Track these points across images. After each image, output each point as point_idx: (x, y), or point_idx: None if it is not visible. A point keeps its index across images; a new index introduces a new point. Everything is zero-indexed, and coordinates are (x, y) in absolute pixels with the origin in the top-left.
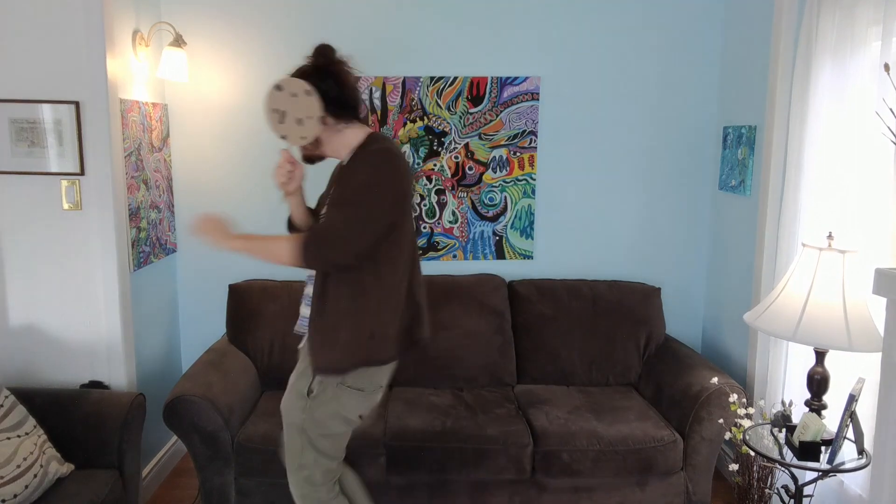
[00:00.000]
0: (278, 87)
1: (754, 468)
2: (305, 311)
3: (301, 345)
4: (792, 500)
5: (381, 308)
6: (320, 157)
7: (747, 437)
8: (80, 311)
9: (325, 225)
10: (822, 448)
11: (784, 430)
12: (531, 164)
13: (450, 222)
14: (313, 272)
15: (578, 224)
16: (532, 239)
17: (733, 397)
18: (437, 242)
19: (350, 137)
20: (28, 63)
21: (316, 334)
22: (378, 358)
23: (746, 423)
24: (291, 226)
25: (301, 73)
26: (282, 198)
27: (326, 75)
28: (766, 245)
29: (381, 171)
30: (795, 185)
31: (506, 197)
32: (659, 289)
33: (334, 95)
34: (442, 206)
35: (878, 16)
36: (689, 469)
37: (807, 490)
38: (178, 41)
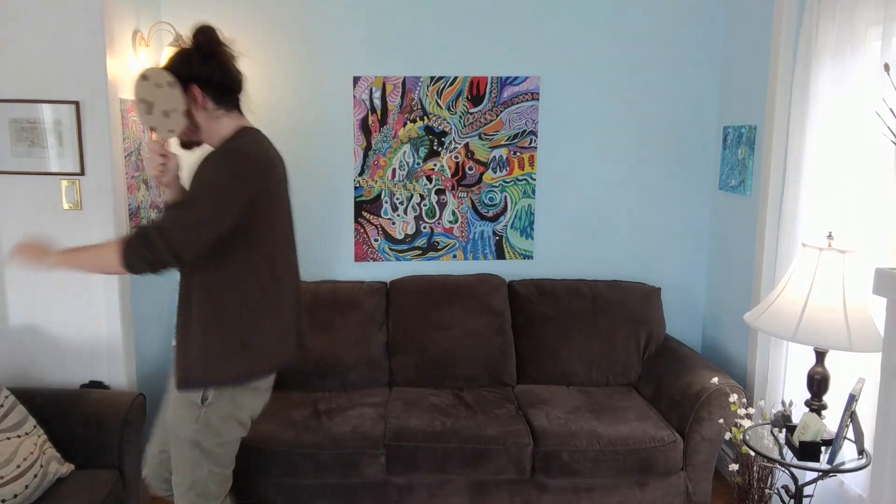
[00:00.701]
0: (144, 77)
1: (754, 468)
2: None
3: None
4: (792, 500)
5: (249, 316)
6: (198, 144)
7: (747, 437)
8: (79, 311)
9: (152, 224)
10: (822, 448)
11: (784, 430)
12: (531, 164)
13: (450, 222)
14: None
15: (578, 224)
16: (532, 239)
17: (733, 397)
18: (437, 242)
19: (224, 128)
20: (28, 63)
21: (181, 345)
22: (256, 370)
23: (746, 423)
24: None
25: (183, 56)
26: (159, 190)
27: (209, 57)
28: (766, 245)
29: (220, 173)
30: (795, 185)
31: (506, 197)
32: (659, 289)
33: (217, 80)
34: (442, 206)
35: (878, 16)
36: (689, 469)
37: (807, 490)
38: (178, 41)
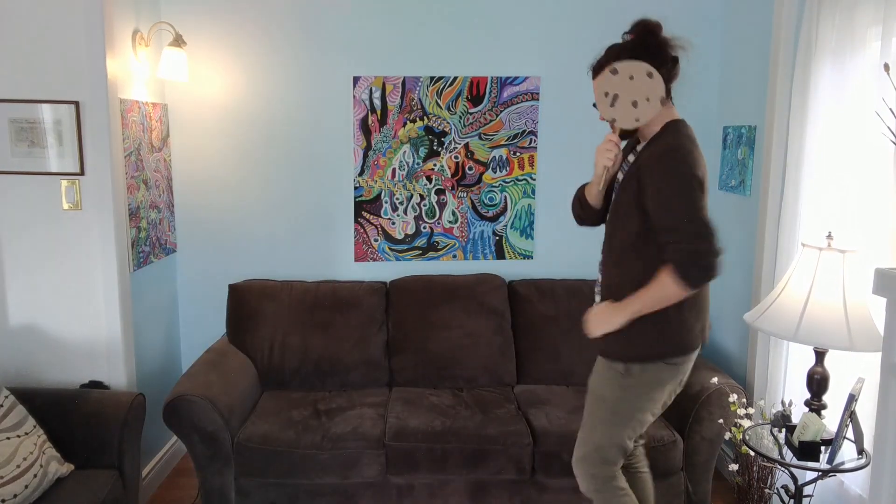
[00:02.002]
0: (614, 71)
1: (754, 468)
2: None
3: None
4: (792, 500)
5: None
6: (631, 135)
7: (747, 437)
8: (80, 311)
9: (679, 244)
10: (822, 448)
11: (784, 430)
12: (531, 164)
13: (450, 222)
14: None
15: None
16: (532, 239)
17: (733, 397)
18: (437, 242)
19: (658, 119)
20: (28, 63)
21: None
22: (680, 348)
23: (746, 423)
24: (585, 206)
25: (633, 48)
26: (598, 183)
27: (660, 49)
28: (766, 245)
29: (684, 173)
30: (795, 185)
31: (506, 197)
32: None
33: (669, 71)
34: (442, 206)
35: (878, 16)
36: (689, 469)
37: (807, 490)
38: (178, 41)
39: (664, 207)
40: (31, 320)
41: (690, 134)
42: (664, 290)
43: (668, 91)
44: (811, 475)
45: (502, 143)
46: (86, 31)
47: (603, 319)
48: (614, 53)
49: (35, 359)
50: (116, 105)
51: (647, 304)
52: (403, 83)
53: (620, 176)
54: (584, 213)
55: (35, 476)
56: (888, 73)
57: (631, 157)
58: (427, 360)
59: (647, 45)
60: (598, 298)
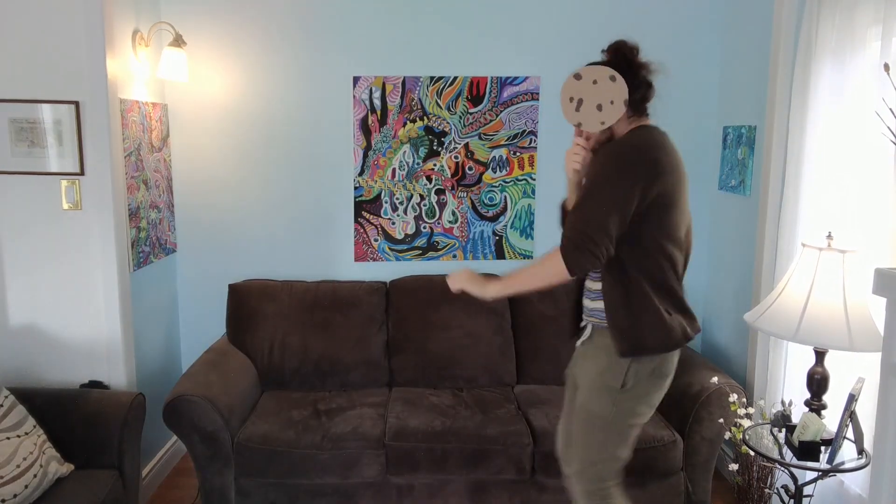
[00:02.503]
0: (577, 76)
1: (754, 468)
2: (589, 304)
3: (581, 340)
4: (792, 500)
5: (646, 298)
6: (608, 138)
7: (747, 437)
8: (79, 311)
9: (572, 226)
10: (822, 448)
11: (784, 429)
12: (531, 164)
13: (450, 222)
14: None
15: None
16: (532, 239)
17: (733, 397)
18: (437, 242)
19: (624, 126)
20: (28, 63)
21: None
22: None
23: (746, 422)
24: (565, 214)
25: (609, 65)
26: (570, 185)
27: (635, 72)
28: (766, 245)
29: (608, 165)
30: (795, 185)
31: (506, 197)
32: None
33: (642, 94)
34: (442, 205)
35: (878, 16)
36: (689, 469)
37: (807, 490)
38: (178, 41)
39: (584, 192)
40: (31, 320)
41: (655, 138)
42: (546, 267)
43: (641, 110)
44: (811, 475)
45: (502, 143)
46: (86, 31)
47: (469, 285)
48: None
49: (35, 359)
50: (116, 105)
51: (526, 279)
52: (403, 83)
53: None
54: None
55: (35, 476)
56: (888, 73)
57: None
58: (427, 360)
59: (621, 67)
60: (589, 304)
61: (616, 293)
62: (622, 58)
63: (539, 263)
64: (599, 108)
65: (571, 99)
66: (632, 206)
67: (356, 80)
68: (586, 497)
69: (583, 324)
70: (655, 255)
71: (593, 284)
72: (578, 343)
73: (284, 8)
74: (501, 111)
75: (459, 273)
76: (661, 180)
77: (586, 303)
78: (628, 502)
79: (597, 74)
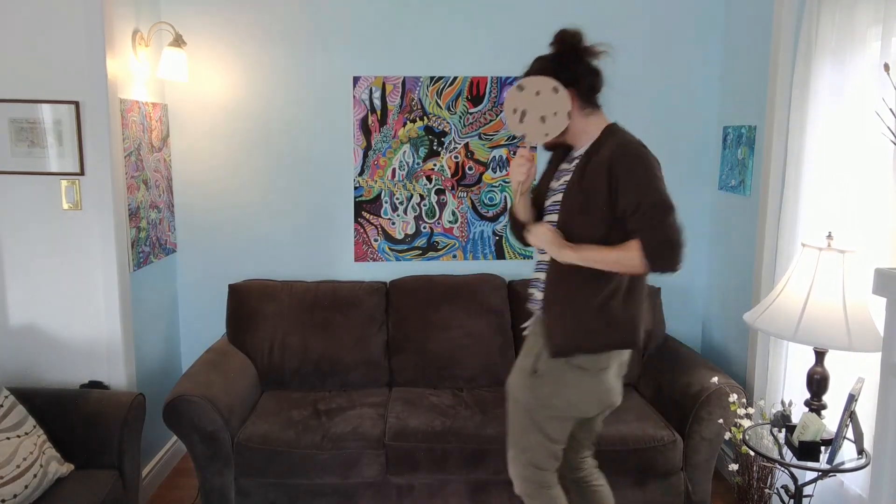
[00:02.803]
0: (520, 87)
1: (754, 468)
2: (538, 294)
3: (526, 327)
4: (792, 500)
5: (610, 295)
6: (561, 145)
7: (747, 437)
8: (80, 311)
9: (655, 232)
10: (822, 448)
11: (784, 430)
12: None
13: (450, 222)
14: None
15: None
16: None
17: (733, 397)
18: (437, 242)
19: (592, 126)
20: (28, 63)
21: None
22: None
23: (746, 423)
24: (515, 221)
25: (554, 61)
26: (515, 195)
27: (579, 59)
28: (766, 245)
29: (647, 167)
30: (795, 185)
31: (506, 197)
32: (659, 289)
33: (588, 82)
34: (442, 206)
35: (878, 16)
36: (689, 469)
37: (806, 490)
38: (178, 41)
39: (640, 192)
40: (31, 320)
41: (634, 136)
42: (627, 257)
43: (594, 100)
44: (811, 475)
45: (502, 143)
46: (86, 31)
47: (550, 243)
48: (538, 64)
49: (35, 359)
50: (116, 105)
51: (606, 260)
52: (403, 83)
53: (556, 184)
54: (516, 231)
55: (35, 476)
56: (888, 73)
57: (566, 166)
58: (427, 360)
59: (567, 55)
60: (535, 301)
61: (588, 289)
62: (567, 46)
63: (622, 252)
64: (543, 119)
65: (515, 110)
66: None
67: (356, 80)
68: (522, 482)
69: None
70: None
71: (542, 275)
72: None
73: (284, 8)
74: (501, 111)
75: (540, 229)
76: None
77: (534, 293)
78: (565, 494)
79: (540, 86)
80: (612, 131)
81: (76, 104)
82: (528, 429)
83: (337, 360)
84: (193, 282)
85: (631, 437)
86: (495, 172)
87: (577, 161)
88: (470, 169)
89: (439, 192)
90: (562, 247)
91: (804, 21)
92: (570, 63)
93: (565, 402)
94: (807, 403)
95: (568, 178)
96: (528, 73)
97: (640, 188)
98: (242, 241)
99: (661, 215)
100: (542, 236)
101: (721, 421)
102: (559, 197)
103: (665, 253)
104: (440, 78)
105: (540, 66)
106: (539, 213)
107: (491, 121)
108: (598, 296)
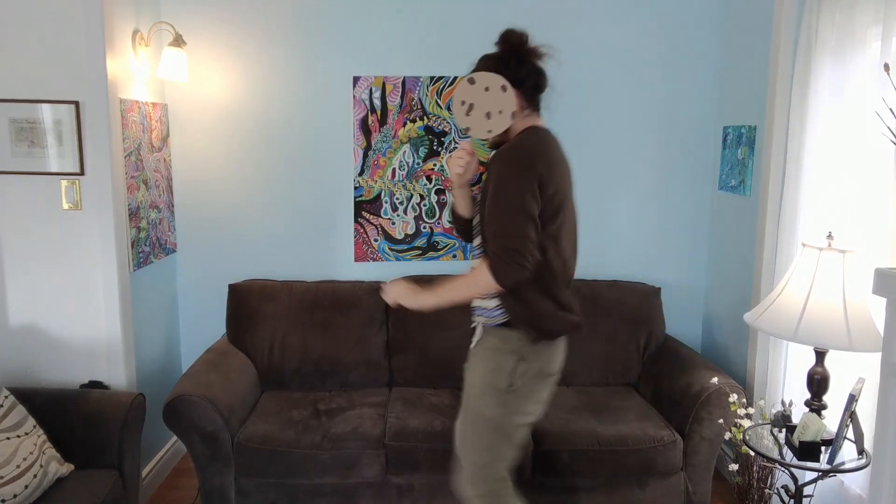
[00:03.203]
0: (471, 81)
1: (754, 468)
2: (478, 301)
3: (473, 342)
4: (792, 500)
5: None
6: (502, 143)
7: (747, 437)
8: (79, 311)
9: (496, 242)
10: (822, 448)
11: (784, 430)
12: None
13: (449, 222)
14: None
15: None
16: None
17: (733, 397)
18: (437, 242)
19: (519, 126)
20: (28, 63)
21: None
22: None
23: (746, 423)
24: (456, 217)
25: (499, 60)
26: (453, 188)
27: (523, 60)
28: (766, 245)
29: (509, 172)
30: (795, 185)
31: None
32: (659, 289)
33: (532, 82)
34: (442, 206)
35: (878, 16)
36: (689, 469)
37: (807, 490)
38: (178, 41)
39: (493, 203)
40: (31, 320)
41: (544, 138)
42: (477, 281)
43: (535, 101)
44: (811, 475)
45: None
46: (86, 31)
47: (405, 296)
48: (483, 63)
49: (35, 359)
50: (116, 105)
51: (459, 292)
52: (403, 83)
53: None
54: (458, 225)
55: (35, 476)
56: (888, 73)
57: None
58: (427, 360)
59: (510, 55)
60: (483, 310)
61: (511, 291)
62: (511, 46)
63: (471, 277)
64: (488, 116)
65: (463, 102)
66: (537, 207)
67: (356, 80)
68: (480, 500)
69: (473, 324)
70: (549, 251)
71: None
72: (472, 345)
73: (284, 8)
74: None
75: (394, 285)
76: (553, 179)
77: (475, 301)
78: (521, 499)
79: (489, 82)
80: (526, 134)
81: (76, 104)
82: (496, 442)
83: (337, 360)
84: (193, 282)
85: (631, 437)
86: None
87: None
88: None
89: (439, 192)
90: (417, 296)
91: (804, 21)
92: (514, 64)
93: (534, 409)
94: (807, 403)
95: None
96: (473, 71)
97: (493, 195)
98: (242, 241)
99: (500, 225)
100: (397, 294)
101: (721, 421)
102: None
103: (498, 266)
104: (440, 78)
105: (484, 65)
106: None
107: None
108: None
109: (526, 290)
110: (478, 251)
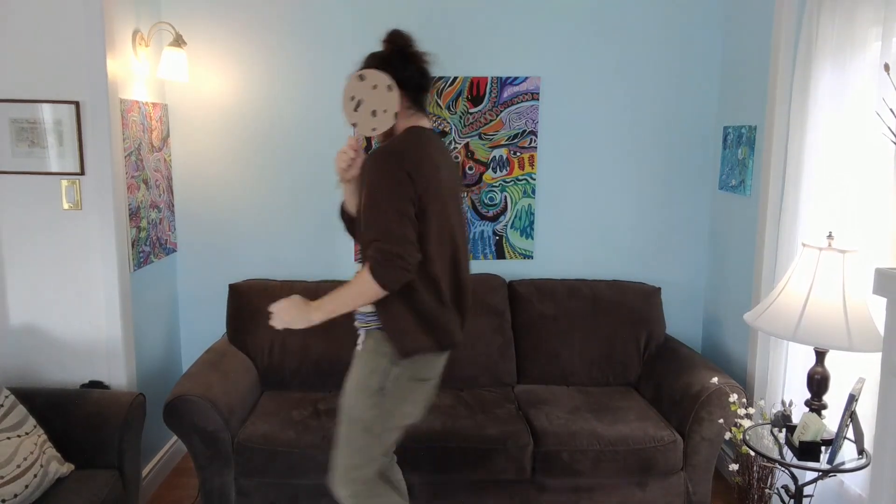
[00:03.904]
0: (361, 77)
1: (754, 468)
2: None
3: (359, 345)
4: (792, 500)
5: (415, 298)
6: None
7: (747, 437)
8: (80, 311)
9: (374, 243)
10: (822, 448)
11: (784, 430)
12: (531, 164)
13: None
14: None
15: (578, 224)
16: (532, 239)
17: (733, 397)
18: None
19: (402, 126)
20: (28, 63)
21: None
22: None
23: (746, 423)
24: (344, 213)
25: (383, 60)
26: (337, 184)
27: (407, 61)
28: (766, 245)
29: (381, 175)
30: (795, 185)
31: (506, 197)
32: (659, 289)
33: (416, 82)
34: None
35: (878, 16)
36: (689, 469)
37: (807, 490)
38: (178, 41)
39: (367, 206)
40: (31, 320)
41: (419, 137)
42: (361, 287)
43: (420, 101)
44: (811, 475)
45: (502, 143)
46: (86, 31)
47: (295, 315)
48: (368, 61)
49: (35, 359)
50: (116, 105)
51: (346, 301)
52: None
53: None
54: (346, 225)
55: (35, 476)
56: (888, 74)
57: None
58: None
59: (396, 56)
60: (363, 315)
61: (388, 296)
62: (396, 48)
63: (354, 284)
64: (374, 113)
65: (352, 98)
66: (413, 208)
67: None
68: (354, 498)
69: (357, 330)
70: (428, 255)
71: None
72: (357, 348)
73: (284, 8)
74: (501, 111)
75: (280, 308)
76: (420, 179)
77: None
78: (394, 488)
79: (378, 80)
80: (403, 134)
81: (76, 104)
82: (367, 444)
83: (337, 360)
84: (193, 282)
85: (631, 437)
86: (495, 172)
87: None
88: (470, 169)
89: None
90: (305, 314)
91: (804, 21)
92: (399, 64)
93: (409, 412)
94: (807, 403)
95: None
96: (362, 68)
97: (367, 197)
98: (242, 241)
99: (377, 227)
100: (283, 317)
101: (721, 421)
102: None
103: (378, 269)
104: (440, 78)
105: (369, 63)
106: None
107: (491, 121)
108: (415, 299)
109: (393, 302)
110: (360, 255)
